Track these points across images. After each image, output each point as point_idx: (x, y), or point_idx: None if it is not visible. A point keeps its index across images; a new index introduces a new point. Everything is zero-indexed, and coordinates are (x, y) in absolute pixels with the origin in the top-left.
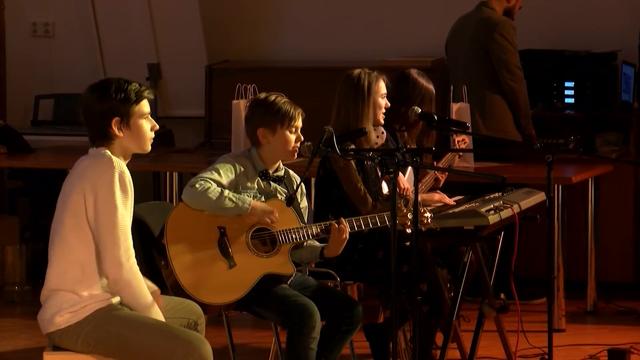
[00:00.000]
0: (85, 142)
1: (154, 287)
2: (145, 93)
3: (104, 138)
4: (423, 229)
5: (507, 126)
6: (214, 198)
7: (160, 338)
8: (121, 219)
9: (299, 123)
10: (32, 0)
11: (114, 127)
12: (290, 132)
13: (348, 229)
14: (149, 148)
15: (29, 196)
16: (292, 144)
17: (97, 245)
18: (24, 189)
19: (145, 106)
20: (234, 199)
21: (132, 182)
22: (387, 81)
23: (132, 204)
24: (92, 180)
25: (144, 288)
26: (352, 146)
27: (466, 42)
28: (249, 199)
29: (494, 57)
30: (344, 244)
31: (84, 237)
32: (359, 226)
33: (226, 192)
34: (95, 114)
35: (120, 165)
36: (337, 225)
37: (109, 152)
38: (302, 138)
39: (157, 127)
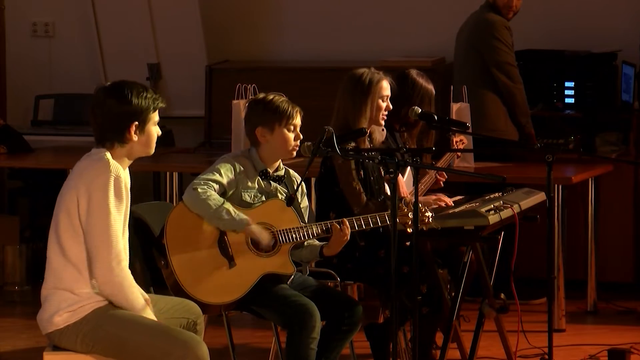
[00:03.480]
0: (85, 142)
1: (145, 296)
2: (160, 102)
3: (116, 140)
4: (424, 228)
5: (499, 125)
6: (213, 207)
7: (157, 339)
8: (113, 223)
9: (298, 121)
10: (32, 0)
11: (131, 131)
12: (289, 131)
13: (349, 229)
14: (152, 152)
15: (29, 196)
16: (291, 142)
17: (87, 248)
18: (24, 189)
19: (157, 114)
20: (232, 213)
21: (128, 187)
22: (392, 83)
23: (127, 209)
24: (87, 182)
25: (136, 291)
26: (353, 145)
27: (463, 42)
28: (247, 219)
29: (488, 58)
30: (345, 244)
31: (77, 238)
32: (360, 226)
33: (227, 204)
34: (114, 114)
35: (117, 169)
36: (338, 226)
37: (108, 155)
38: (302, 136)
39: (160, 132)
